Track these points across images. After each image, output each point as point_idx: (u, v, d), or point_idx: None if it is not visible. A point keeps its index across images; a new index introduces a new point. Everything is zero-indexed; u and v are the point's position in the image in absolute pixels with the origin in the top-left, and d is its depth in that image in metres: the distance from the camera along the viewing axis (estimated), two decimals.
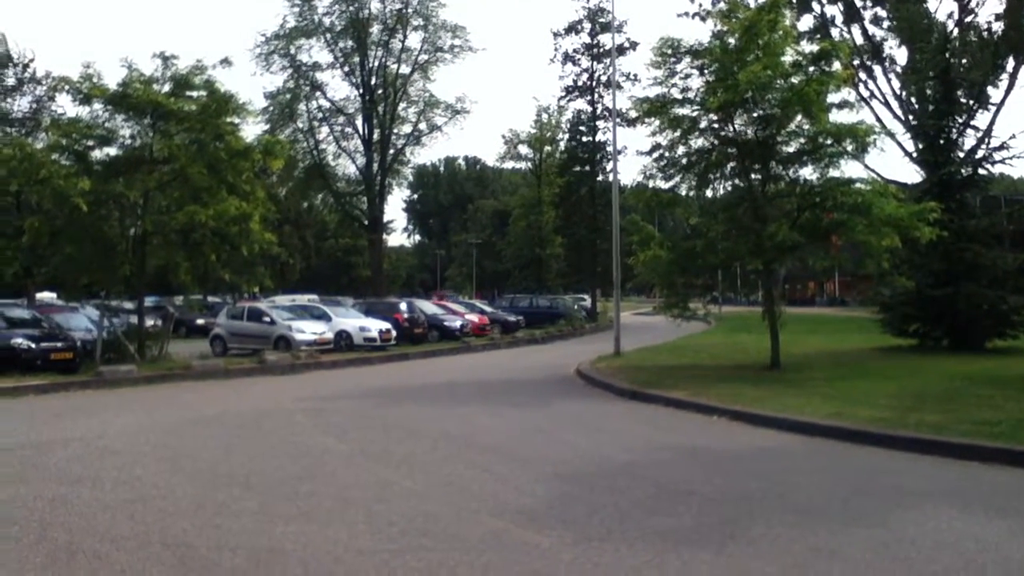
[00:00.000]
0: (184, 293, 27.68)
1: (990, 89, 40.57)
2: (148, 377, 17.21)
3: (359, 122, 46.58)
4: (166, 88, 19.85)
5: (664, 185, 19.08)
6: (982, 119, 38.86)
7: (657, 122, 17.88)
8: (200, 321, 33.24)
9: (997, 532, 5.87)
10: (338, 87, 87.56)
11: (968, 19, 41.72)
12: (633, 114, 21.88)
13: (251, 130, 69.75)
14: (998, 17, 40.71)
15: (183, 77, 19.96)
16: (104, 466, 8.40)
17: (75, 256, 19.18)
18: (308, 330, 24.81)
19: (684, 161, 18.24)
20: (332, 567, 5.23)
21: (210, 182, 19.36)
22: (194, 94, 20.15)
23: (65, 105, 37.61)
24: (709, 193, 19.65)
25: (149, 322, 21.86)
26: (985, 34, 41.49)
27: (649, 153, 18.49)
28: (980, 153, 24.25)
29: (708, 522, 6.21)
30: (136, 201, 19.77)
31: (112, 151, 20.15)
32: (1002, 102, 41.24)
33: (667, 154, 18.23)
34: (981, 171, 23.20)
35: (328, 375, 19.66)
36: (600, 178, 47.83)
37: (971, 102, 36.89)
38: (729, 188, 19.07)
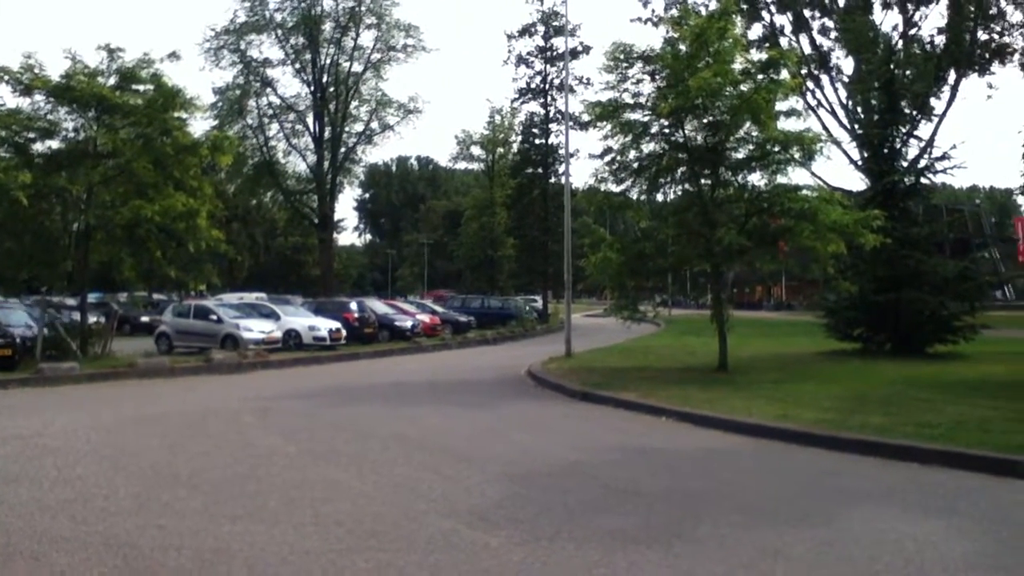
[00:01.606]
0: (129, 289, 27.14)
1: (933, 100, 41.70)
2: (90, 375, 16.87)
3: (310, 120, 46.03)
4: (111, 81, 19.51)
5: (615, 188, 19.23)
6: (925, 129, 39.99)
7: (609, 126, 17.98)
8: (145, 318, 32.66)
9: (935, 531, 6.00)
10: (289, 84, 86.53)
11: (912, 32, 42.87)
12: (585, 118, 21.98)
13: (199, 125, 68.84)
14: (940, 31, 41.91)
15: (129, 70, 19.62)
16: (43, 465, 8.20)
17: (14, 250, 18.76)
18: (256, 329, 24.49)
19: (635, 165, 18.38)
20: (278, 568, 5.16)
21: (156, 177, 19.05)
22: (140, 88, 19.83)
23: (4, 96, 36.65)
24: (660, 197, 19.89)
25: (92, 319, 21.42)
26: (928, 47, 42.63)
27: (601, 157, 18.60)
28: (923, 163, 24.78)
29: (656, 522, 6.26)
30: (79, 195, 19.37)
31: (54, 144, 19.77)
32: (944, 113, 42.43)
33: (619, 158, 18.34)
34: (924, 180, 23.69)
35: (276, 374, 19.43)
36: (552, 180, 48.01)
37: (914, 112, 37.80)
38: (679, 192, 19.26)
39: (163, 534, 5.82)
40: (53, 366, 16.60)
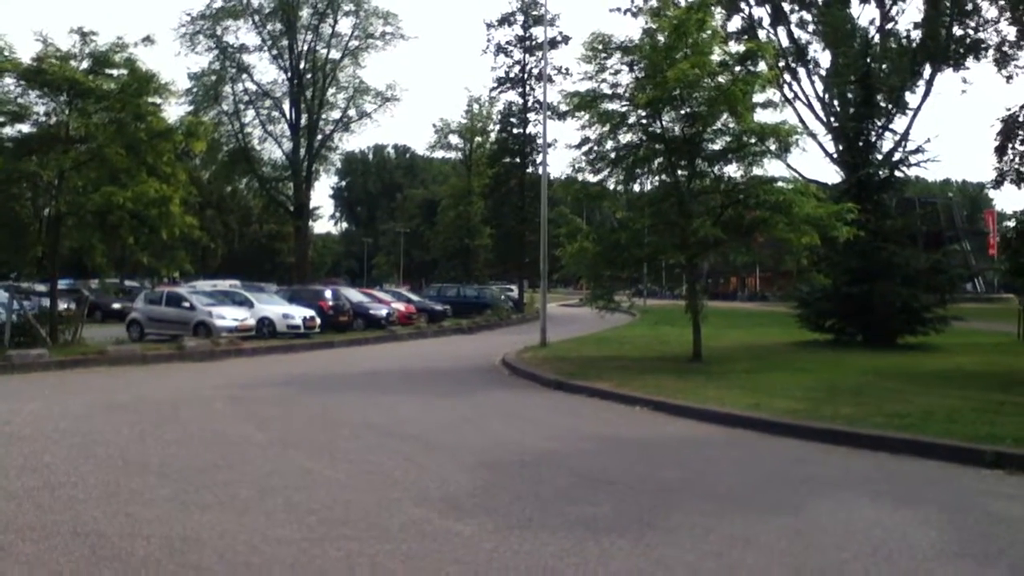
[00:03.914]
0: (100, 276, 26.78)
1: (908, 95, 42.17)
2: (60, 362, 16.66)
3: (286, 106, 45.69)
4: (84, 65, 19.21)
5: (592, 179, 19.30)
6: (900, 123, 40.48)
7: (587, 116, 18.01)
8: (116, 305, 32.28)
9: (903, 520, 6.07)
10: (265, 70, 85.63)
11: (889, 26, 43.25)
12: (563, 108, 22.06)
13: (174, 111, 68.11)
14: (917, 25, 42.33)
15: (102, 54, 19.32)
16: (10, 453, 8.09)
17: None
18: (229, 316, 24.28)
19: (612, 155, 18.44)
20: (249, 556, 5.12)
21: (129, 163, 18.80)
22: (114, 72, 19.53)
23: None
24: (636, 188, 19.97)
25: (62, 305, 21.15)
26: (904, 42, 43.06)
27: (578, 147, 18.64)
28: (897, 156, 25.04)
29: (628, 511, 6.28)
30: (50, 181, 19.08)
31: (25, 128, 19.44)
32: (919, 107, 42.97)
33: (596, 148, 18.40)
34: (897, 173, 23.95)
35: (249, 362, 19.31)
36: (530, 170, 48.00)
37: (890, 106, 38.23)
38: (656, 183, 19.35)
39: (132, 522, 5.76)
40: (22, 353, 16.37)
